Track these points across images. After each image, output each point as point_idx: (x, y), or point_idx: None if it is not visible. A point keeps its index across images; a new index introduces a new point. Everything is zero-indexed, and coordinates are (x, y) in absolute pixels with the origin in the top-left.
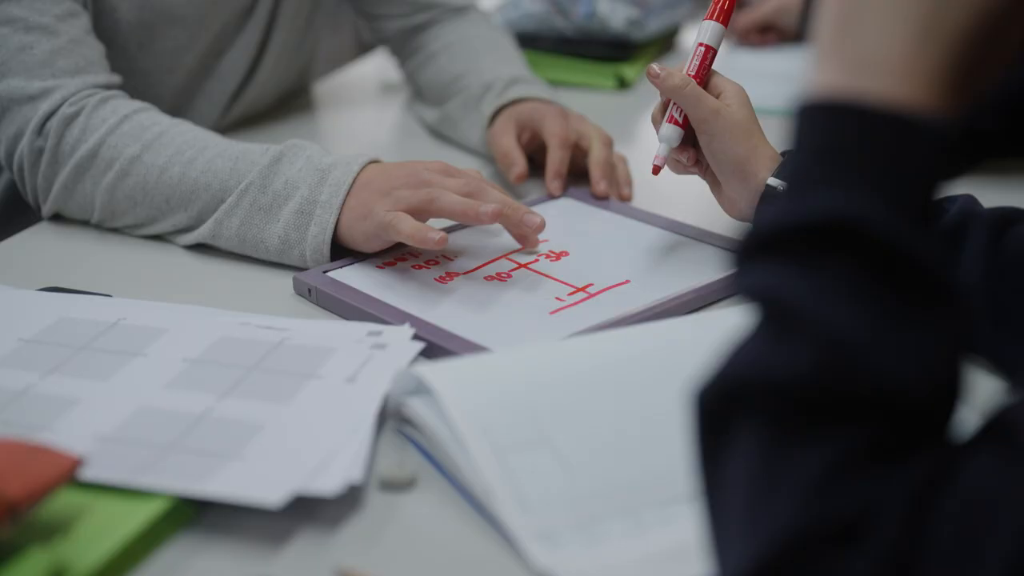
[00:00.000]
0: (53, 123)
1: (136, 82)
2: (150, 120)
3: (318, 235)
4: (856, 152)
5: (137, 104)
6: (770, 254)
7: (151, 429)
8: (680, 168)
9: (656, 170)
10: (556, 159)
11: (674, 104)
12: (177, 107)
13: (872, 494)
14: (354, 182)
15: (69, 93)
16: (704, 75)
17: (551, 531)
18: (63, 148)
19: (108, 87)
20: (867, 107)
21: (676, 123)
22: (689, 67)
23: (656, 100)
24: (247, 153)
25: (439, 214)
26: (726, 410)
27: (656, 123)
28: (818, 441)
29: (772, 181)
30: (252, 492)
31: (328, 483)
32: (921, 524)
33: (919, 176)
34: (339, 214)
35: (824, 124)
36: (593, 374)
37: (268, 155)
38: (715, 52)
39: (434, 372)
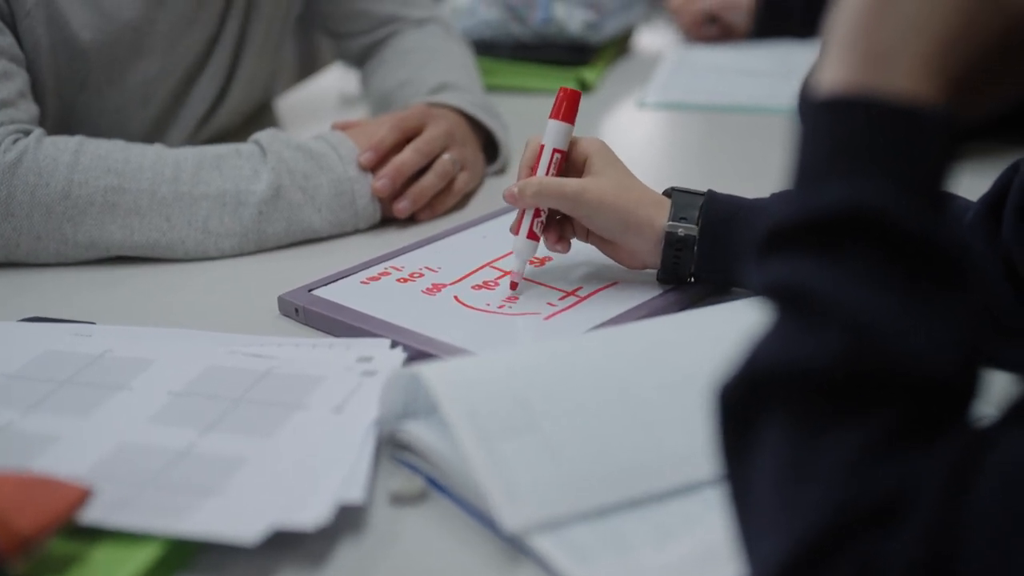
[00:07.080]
0: None
1: (110, 119)
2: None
3: None
4: (867, 143)
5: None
6: (787, 248)
7: (130, 466)
8: (557, 250)
9: (514, 286)
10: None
11: (527, 214)
12: (151, 138)
13: (907, 475)
14: None
15: None
16: (559, 172)
17: (558, 526)
18: None
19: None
20: (876, 99)
21: (534, 237)
22: (547, 171)
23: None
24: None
25: None
26: (751, 405)
27: (523, 173)
28: (847, 426)
29: (670, 226)
30: (229, 529)
31: (308, 516)
32: (960, 502)
33: (930, 165)
34: None
35: (833, 119)
36: (584, 366)
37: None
38: (565, 153)
39: (425, 368)
